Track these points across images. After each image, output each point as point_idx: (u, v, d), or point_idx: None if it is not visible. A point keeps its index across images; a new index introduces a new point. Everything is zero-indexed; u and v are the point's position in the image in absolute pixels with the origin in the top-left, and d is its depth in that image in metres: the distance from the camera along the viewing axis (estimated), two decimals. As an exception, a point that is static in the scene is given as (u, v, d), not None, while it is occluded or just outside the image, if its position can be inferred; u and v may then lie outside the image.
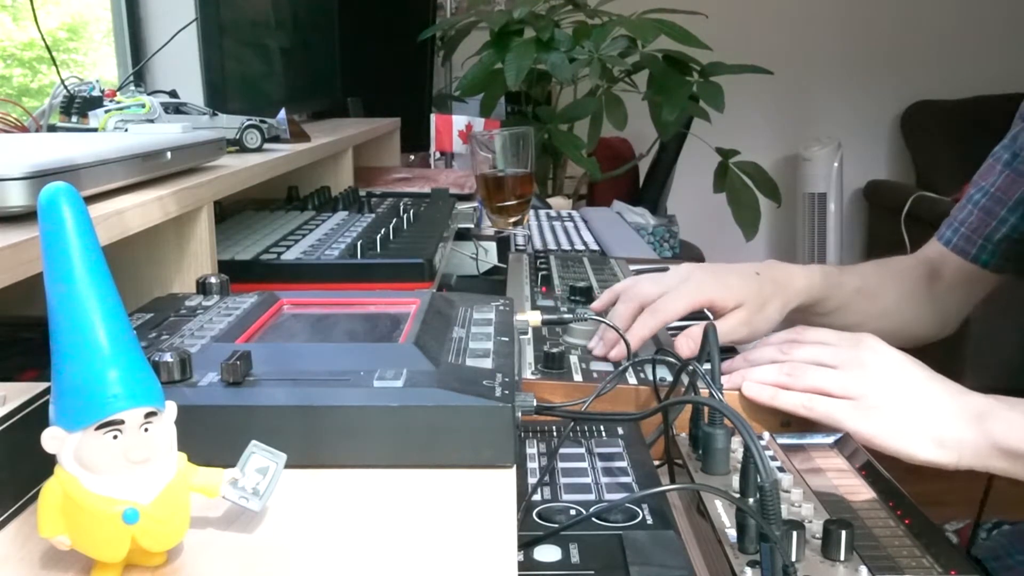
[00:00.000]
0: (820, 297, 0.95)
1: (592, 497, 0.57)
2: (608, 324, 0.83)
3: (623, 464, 0.62)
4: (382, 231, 1.00)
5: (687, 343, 0.82)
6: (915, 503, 0.61)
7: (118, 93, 1.14)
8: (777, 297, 0.90)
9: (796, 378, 0.75)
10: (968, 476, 0.71)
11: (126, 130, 1.03)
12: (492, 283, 1.29)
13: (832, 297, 0.96)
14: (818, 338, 0.78)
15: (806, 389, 0.74)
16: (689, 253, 2.98)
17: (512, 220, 1.58)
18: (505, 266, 1.26)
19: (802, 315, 0.95)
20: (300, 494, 0.45)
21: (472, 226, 1.49)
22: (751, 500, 0.56)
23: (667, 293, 0.86)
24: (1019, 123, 1.03)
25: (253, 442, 0.42)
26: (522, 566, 0.49)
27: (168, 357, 0.49)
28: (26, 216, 0.58)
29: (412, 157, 2.27)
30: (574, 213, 1.88)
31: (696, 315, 0.88)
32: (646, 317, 0.84)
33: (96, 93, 1.09)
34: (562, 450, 0.64)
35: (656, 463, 0.64)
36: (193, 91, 1.31)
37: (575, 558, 0.50)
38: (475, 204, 1.55)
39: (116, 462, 0.36)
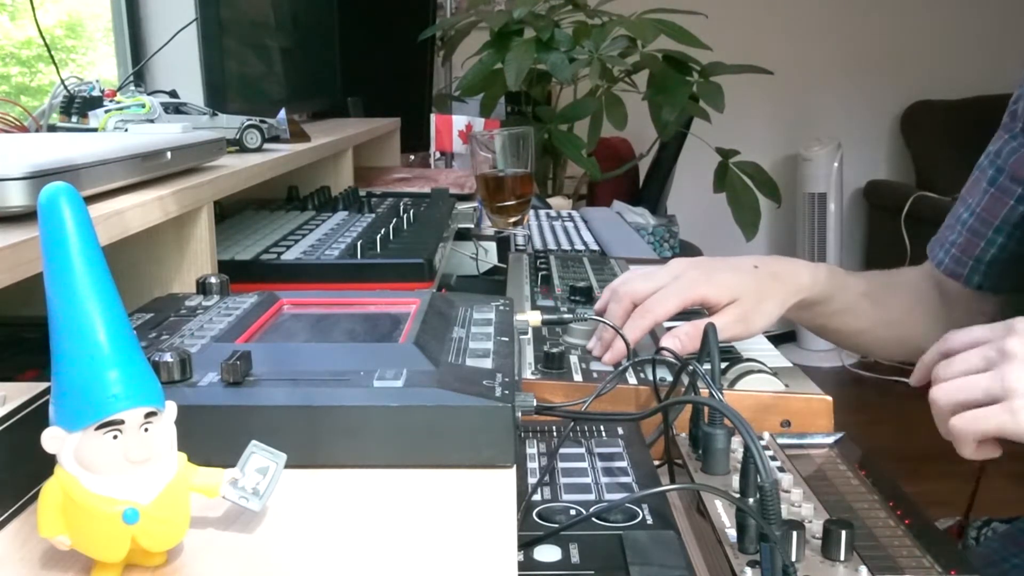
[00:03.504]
0: (825, 295, 0.92)
1: (592, 497, 0.57)
2: (605, 323, 0.83)
3: (623, 464, 0.62)
4: (382, 231, 1.00)
5: (674, 343, 0.81)
6: (915, 503, 0.61)
7: (118, 93, 1.14)
8: (776, 292, 0.88)
9: (938, 402, 0.66)
10: (969, 476, 0.70)
11: (126, 130, 1.03)
12: (492, 283, 1.29)
13: (837, 298, 0.94)
14: (966, 339, 0.68)
15: (951, 407, 0.65)
16: (689, 253, 2.98)
17: (512, 220, 1.58)
18: (505, 266, 1.26)
19: (806, 312, 0.94)
20: (300, 494, 0.45)
21: (472, 226, 1.49)
22: (751, 500, 0.56)
23: (658, 292, 0.84)
24: (1003, 134, 0.98)
25: (253, 442, 0.42)
26: (522, 566, 0.49)
27: (168, 357, 0.49)
28: (26, 216, 0.58)
29: (412, 157, 2.27)
30: (574, 213, 1.88)
31: (691, 311, 0.87)
32: (637, 318, 0.83)
33: (96, 93, 1.09)
34: (562, 450, 0.64)
35: (656, 463, 0.64)
36: (193, 91, 1.31)
37: (575, 558, 0.50)
38: (475, 204, 1.55)
39: (116, 462, 0.36)
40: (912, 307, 1.02)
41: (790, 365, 0.88)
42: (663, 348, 0.78)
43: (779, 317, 0.89)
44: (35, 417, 0.43)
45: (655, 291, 0.85)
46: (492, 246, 1.43)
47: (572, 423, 0.66)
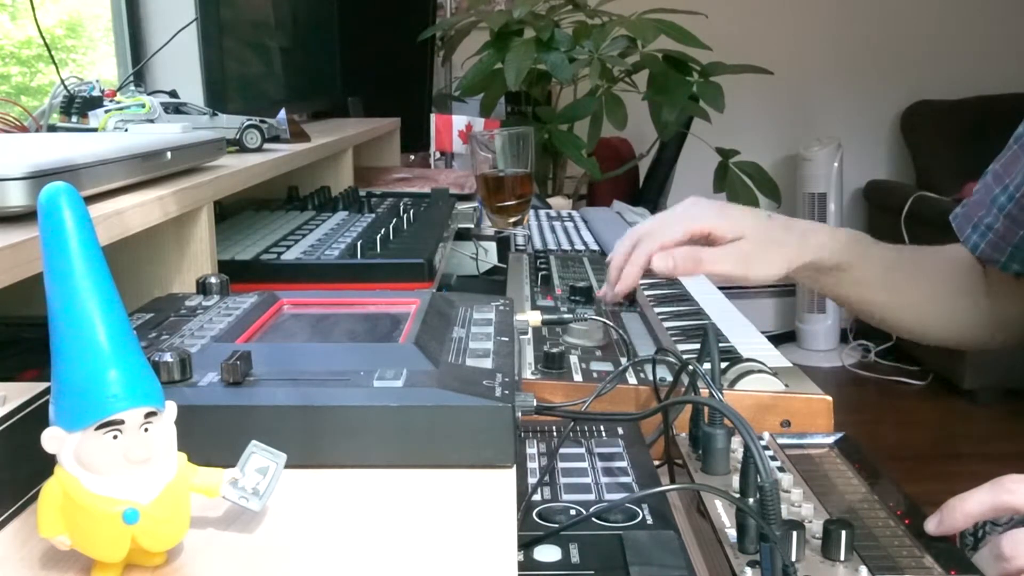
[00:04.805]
0: (843, 262, 0.87)
1: (592, 497, 0.57)
2: (603, 322, 0.83)
3: (623, 464, 0.62)
4: (382, 231, 1.00)
5: (667, 262, 0.78)
6: (915, 503, 0.61)
7: (118, 93, 1.14)
8: (787, 243, 0.84)
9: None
10: (970, 476, 0.70)
11: (126, 130, 1.03)
12: (492, 283, 1.29)
13: (857, 266, 0.88)
14: None
15: None
16: (689, 253, 2.97)
17: (512, 220, 1.58)
18: (505, 266, 1.26)
19: (824, 277, 0.89)
20: (300, 494, 0.45)
21: (472, 226, 1.49)
22: (751, 500, 0.56)
23: (665, 219, 0.83)
24: None
25: (253, 442, 0.42)
26: (522, 566, 0.49)
27: (168, 357, 0.49)
28: (26, 216, 0.58)
29: (412, 157, 2.27)
30: (574, 213, 1.88)
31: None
32: (643, 244, 0.82)
33: (96, 93, 1.09)
34: (562, 450, 0.64)
35: (656, 463, 0.64)
36: (193, 91, 1.31)
37: (575, 558, 0.50)
38: (475, 204, 1.55)
39: (116, 462, 0.36)
40: (938, 294, 0.97)
41: (790, 365, 0.88)
42: (666, 349, 0.78)
43: (785, 272, 0.85)
44: (35, 417, 0.43)
45: (662, 223, 0.84)
46: (492, 246, 1.43)
47: (572, 423, 0.66)
